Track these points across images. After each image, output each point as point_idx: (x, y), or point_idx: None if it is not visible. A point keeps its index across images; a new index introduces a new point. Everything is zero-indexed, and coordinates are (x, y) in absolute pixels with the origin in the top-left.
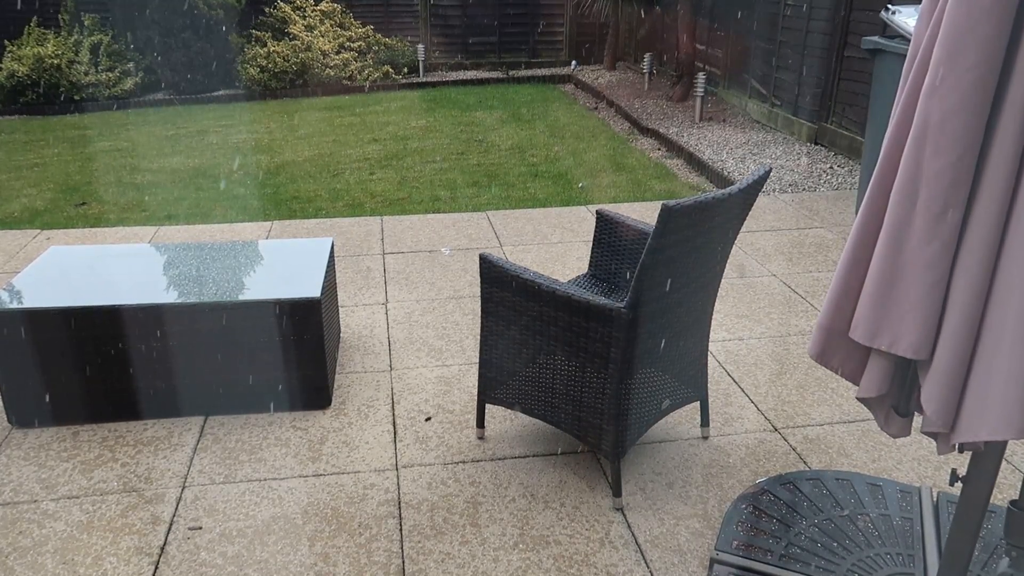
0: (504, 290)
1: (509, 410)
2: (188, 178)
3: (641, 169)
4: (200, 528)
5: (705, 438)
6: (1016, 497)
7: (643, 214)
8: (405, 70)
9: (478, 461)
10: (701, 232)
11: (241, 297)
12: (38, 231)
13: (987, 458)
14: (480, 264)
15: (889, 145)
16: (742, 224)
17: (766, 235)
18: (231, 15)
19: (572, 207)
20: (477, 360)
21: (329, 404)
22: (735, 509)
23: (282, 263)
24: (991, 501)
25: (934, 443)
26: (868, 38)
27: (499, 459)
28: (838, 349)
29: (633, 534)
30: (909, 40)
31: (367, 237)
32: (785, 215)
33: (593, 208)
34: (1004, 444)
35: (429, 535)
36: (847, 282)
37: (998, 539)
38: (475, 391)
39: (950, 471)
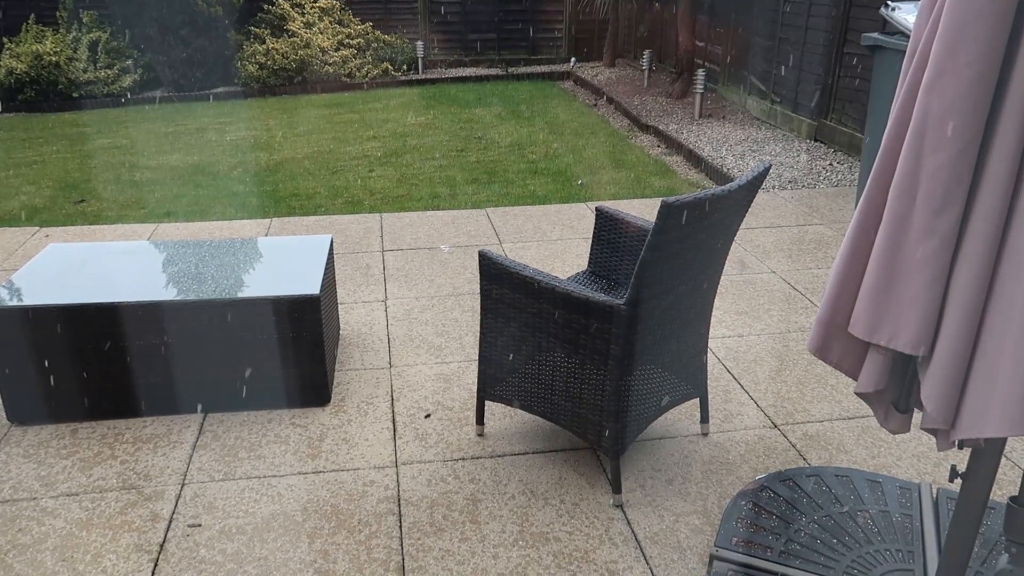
0: (503, 287)
1: (508, 407)
2: (187, 175)
3: (640, 166)
4: (199, 525)
5: (705, 435)
6: (1016, 493)
7: (643, 211)
8: (404, 67)
9: (478, 458)
10: (701, 228)
11: (240, 294)
12: (37, 228)
13: (987, 454)
14: (479, 261)
15: (888, 140)
16: (742, 220)
17: (766, 232)
18: (230, 12)
19: (571, 204)
20: (476, 357)
21: (328, 401)
22: (735, 506)
23: (281, 260)
24: (991, 497)
25: (934, 439)
26: (868, 34)
27: (499, 456)
28: (837, 343)
29: (633, 531)
30: (909, 36)
31: (366, 234)
32: (785, 212)
33: (592, 205)
34: (1004, 440)
35: (429, 532)
36: (845, 276)
37: (998, 535)
38: (474, 388)
39: (950, 467)
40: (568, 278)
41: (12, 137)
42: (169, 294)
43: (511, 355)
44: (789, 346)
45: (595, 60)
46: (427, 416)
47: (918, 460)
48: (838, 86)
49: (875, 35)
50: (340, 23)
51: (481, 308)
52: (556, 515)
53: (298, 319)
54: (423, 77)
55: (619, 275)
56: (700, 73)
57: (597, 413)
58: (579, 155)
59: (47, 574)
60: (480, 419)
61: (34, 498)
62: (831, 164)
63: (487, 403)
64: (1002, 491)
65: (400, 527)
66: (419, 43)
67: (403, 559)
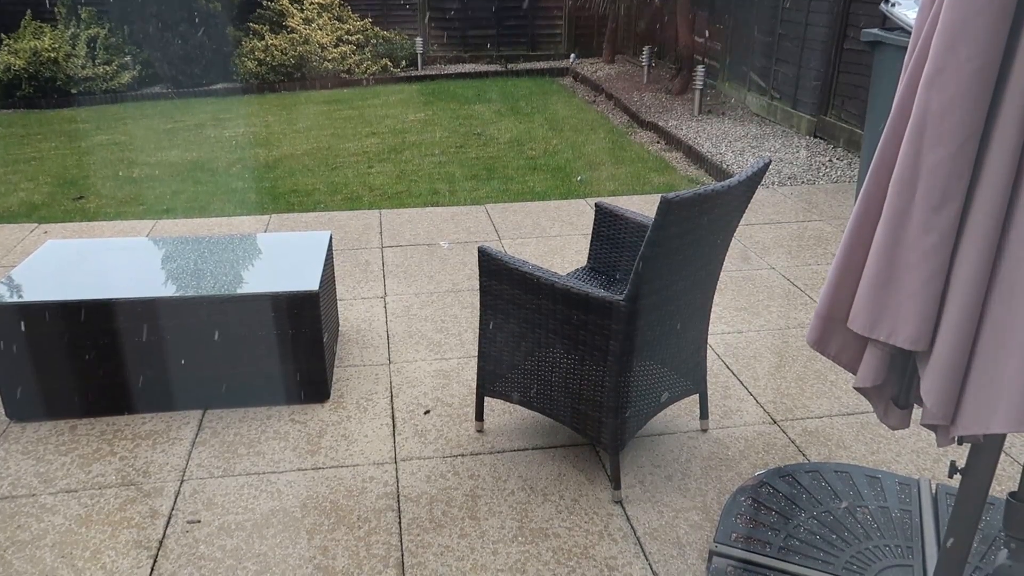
0: (503, 283)
1: (508, 403)
2: (186, 172)
3: (640, 162)
4: (199, 521)
5: (704, 431)
6: (1015, 489)
7: (642, 207)
8: (403, 63)
9: (477, 454)
10: (700, 224)
11: (239, 290)
12: (35, 225)
13: (986, 450)
14: (479, 257)
15: (888, 135)
16: (742, 216)
17: (765, 228)
18: (229, 8)
19: (571, 200)
20: (476, 353)
21: (328, 397)
22: (734, 501)
23: (280, 257)
24: (990, 493)
25: (933, 435)
26: (868, 30)
27: (498, 452)
28: (836, 337)
29: (632, 527)
30: (909, 32)
31: (365, 230)
32: (784, 208)
33: (592, 201)
34: (1003, 436)
35: (428, 528)
36: (845, 270)
37: (997, 531)
38: (474, 384)
39: (949, 463)
40: (567, 274)
41: (10, 133)
42: (168, 290)
43: (510, 351)
44: (788, 342)
45: (594, 56)
46: (426, 412)
47: (917, 456)
48: (838, 82)
49: (875, 31)
50: (339, 19)
51: (480, 304)
52: (555, 511)
53: (297, 315)
54: (422, 73)
55: (618, 271)
56: (699, 69)
57: (596, 409)
58: (578, 151)
59: (46, 571)
60: (479, 415)
61: (33, 495)
62: (831, 160)
63: (486, 399)
64: (1001, 487)
65: (399, 523)
66: (418, 39)
67: (402, 555)
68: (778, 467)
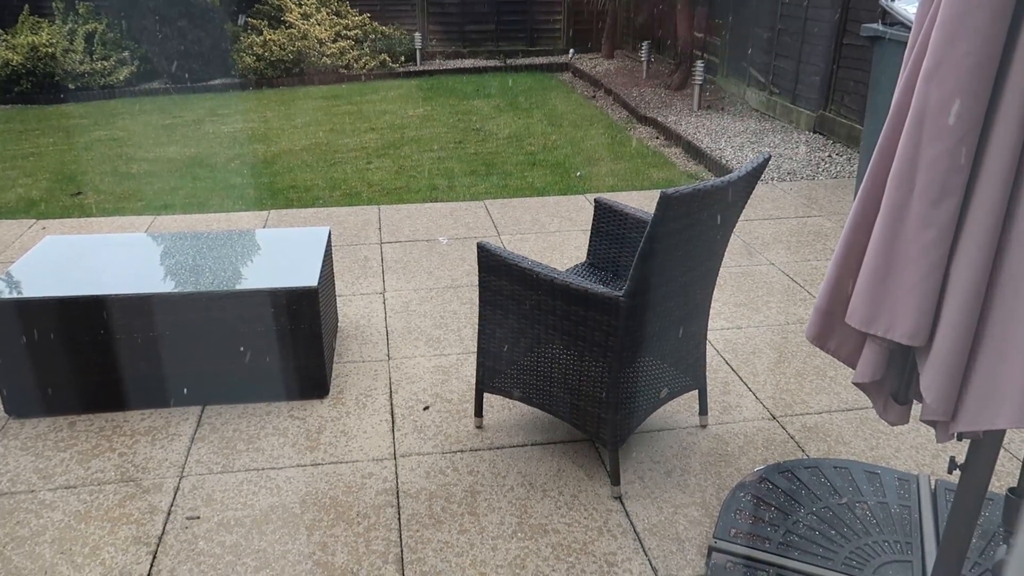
0: (502, 279)
1: (507, 399)
2: (184, 167)
3: (639, 157)
4: (198, 518)
5: (703, 426)
6: (1014, 485)
7: (641, 202)
8: (402, 58)
9: (476, 450)
10: (700, 220)
11: (238, 286)
12: (33, 221)
13: (986, 446)
14: (478, 253)
15: (888, 130)
16: (742, 212)
17: (765, 223)
18: (227, 3)
19: (570, 196)
20: (475, 349)
21: (327, 394)
22: (733, 497)
23: (279, 253)
24: (989, 489)
25: (932, 431)
26: (867, 25)
27: (497, 448)
28: (835, 332)
29: (631, 522)
30: (908, 27)
31: (364, 226)
32: (784, 204)
33: (591, 197)
34: (1003, 432)
35: (427, 524)
36: (844, 265)
37: (996, 527)
38: (473, 380)
39: (949, 459)
40: (567, 270)
41: (8, 129)
42: (167, 286)
43: (510, 347)
44: (788, 338)
45: (594, 52)
46: (425, 408)
47: (916, 451)
48: (837, 77)
49: (875, 26)
50: (337, 14)
51: (480, 300)
52: (555, 507)
53: (296, 311)
54: (421, 69)
55: (618, 267)
56: (699, 64)
57: (596, 405)
58: (577, 147)
59: (46, 567)
60: (479, 411)
61: (32, 491)
62: (830, 156)
63: (486, 395)
64: (1000, 482)
65: (399, 519)
66: (417, 34)
67: (402, 551)
68: (777, 463)
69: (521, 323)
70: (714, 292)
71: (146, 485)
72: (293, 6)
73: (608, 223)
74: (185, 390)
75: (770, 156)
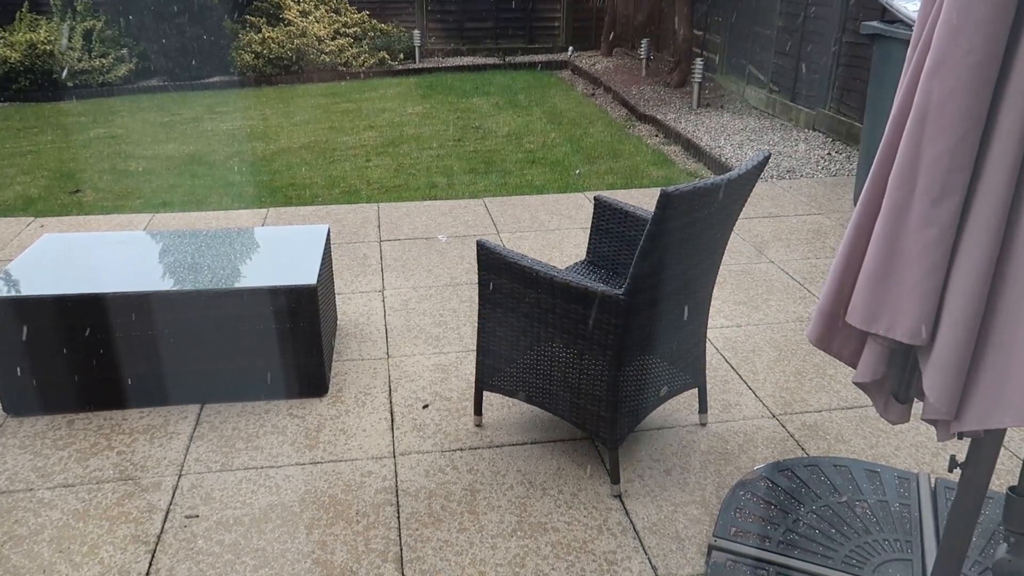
0: (501, 277)
1: (507, 397)
2: (182, 165)
3: (639, 155)
4: (197, 516)
5: (703, 425)
6: (1015, 483)
7: (641, 201)
8: (401, 56)
9: (476, 448)
10: (700, 218)
11: (237, 284)
12: (32, 219)
13: (986, 444)
14: (477, 251)
15: (891, 130)
16: (741, 210)
17: (764, 221)
18: (225, 0)
19: (569, 194)
20: (474, 347)
21: (326, 392)
22: (733, 496)
23: (278, 250)
24: (989, 487)
25: (932, 429)
26: (867, 23)
27: (497, 446)
28: (837, 333)
29: (631, 521)
30: (909, 25)
31: (363, 224)
32: (783, 202)
33: (591, 195)
34: (1003, 431)
35: (427, 522)
36: (847, 265)
37: (996, 525)
38: (472, 378)
39: (949, 457)
40: (566, 268)
41: (7, 127)
42: (165, 284)
43: (509, 345)
44: (788, 336)
45: (593, 49)
46: (425, 407)
47: (916, 450)
48: (837, 76)
49: (875, 24)
50: (336, 12)
51: (479, 298)
52: (554, 505)
53: (295, 309)
54: (420, 66)
55: (617, 265)
56: (698, 62)
57: (595, 403)
58: (577, 145)
59: (44, 565)
60: (478, 409)
61: (30, 489)
62: (830, 154)
63: (485, 393)
64: (1000, 481)
65: (398, 518)
66: (416, 32)
67: (401, 549)
68: (777, 461)
69: (521, 321)
70: (714, 290)
71: (145, 484)
72: (292, 3)
73: (608, 221)
74: (184, 388)
75: (770, 154)
